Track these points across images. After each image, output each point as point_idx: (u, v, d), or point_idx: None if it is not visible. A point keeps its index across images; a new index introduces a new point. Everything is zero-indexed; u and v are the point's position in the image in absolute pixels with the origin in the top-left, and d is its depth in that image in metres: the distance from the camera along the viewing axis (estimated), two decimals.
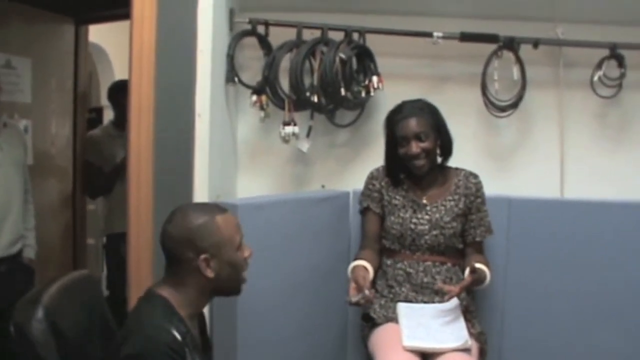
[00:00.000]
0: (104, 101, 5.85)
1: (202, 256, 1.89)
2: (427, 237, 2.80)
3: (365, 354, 2.93)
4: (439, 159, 2.89)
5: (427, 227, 2.80)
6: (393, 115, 2.85)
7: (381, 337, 2.71)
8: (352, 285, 2.60)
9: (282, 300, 2.89)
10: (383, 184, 2.91)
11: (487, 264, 2.82)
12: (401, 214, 2.84)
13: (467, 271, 2.64)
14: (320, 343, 3.10)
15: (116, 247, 4.14)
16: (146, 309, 1.89)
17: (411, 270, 2.81)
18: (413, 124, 2.76)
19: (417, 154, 2.75)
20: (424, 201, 2.85)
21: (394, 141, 2.83)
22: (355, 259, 2.82)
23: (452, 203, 2.84)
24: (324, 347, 3.13)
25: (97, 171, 4.31)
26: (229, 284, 1.98)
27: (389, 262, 2.87)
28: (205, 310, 2.67)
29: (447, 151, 2.87)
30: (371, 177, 2.95)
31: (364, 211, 2.96)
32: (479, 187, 2.88)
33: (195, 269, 1.90)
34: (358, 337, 2.99)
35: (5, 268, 3.36)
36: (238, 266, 1.97)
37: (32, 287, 3.28)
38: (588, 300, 3.06)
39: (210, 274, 1.91)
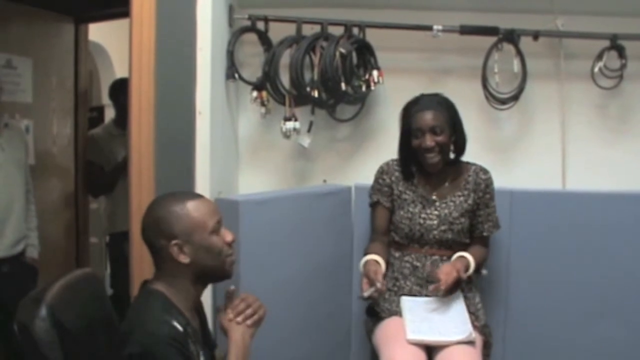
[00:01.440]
0: (105, 100, 5.85)
1: (173, 242, 1.89)
2: (435, 232, 2.80)
3: (369, 348, 2.94)
4: (452, 155, 2.87)
5: (435, 222, 2.80)
6: (410, 107, 2.83)
7: (385, 330, 2.71)
8: (364, 280, 2.61)
9: (285, 295, 2.90)
10: (393, 178, 2.90)
11: (481, 255, 2.85)
12: (410, 209, 2.84)
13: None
14: (324, 338, 3.10)
15: (119, 245, 4.14)
16: (144, 304, 1.89)
17: (418, 264, 2.81)
18: (429, 117, 2.75)
19: (431, 147, 2.74)
20: (434, 197, 2.85)
21: (409, 132, 2.82)
22: (366, 253, 2.82)
23: (462, 199, 2.84)
24: (328, 342, 3.14)
25: (99, 170, 4.31)
26: (211, 269, 1.96)
27: (396, 254, 2.87)
28: (207, 306, 2.70)
29: (460, 148, 2.86)
30: (381, 172, 2.94)
31: (373, 205, 2.96)
32: (488, 182, 2.87)
33: (171, 257, 1.90)
34: (362, 331, 2.99)
35: (8, 268, 3.37)
36: (215, 250, 1.95)
37: (35, 286, 3.29)
38: (591, 291, 3.07)
39: (184, 259, 1.90)
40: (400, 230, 2.85)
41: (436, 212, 2.82)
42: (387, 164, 2.95)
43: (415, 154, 2.82)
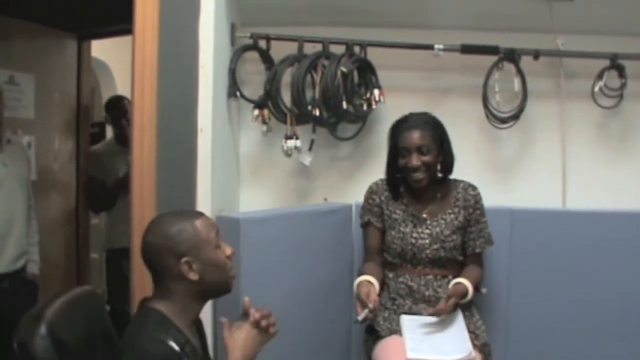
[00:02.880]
0: None
1: (184, 260, 1.89)
2: (428, 251, 2.80)
3: None
4: (439, 175, 2.89)
5: (428, 241, 2.80)
6: (398, 126, 2.85)
7: (385, 349, 2.70)
8: (358, 303, 2.60)
9: (285, 314, 2.87)
10: (383, 198, 2.91)
11: (477, 277, 2.84)
12: (402, 229, 2.84)
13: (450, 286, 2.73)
14: (324, 355, 3.10)
15: (118, 262, 4.15)
16: (141, 323, 1.89)
17: (413, 284, 2.81)
18: (416, 137, 2.76)
19: (417, 167, 2.75)
20: (424, 216, 2.86)
21: (396, 151, 2.84)
22: (360, 274, 2.81)
23: (452, 216, 2.84)
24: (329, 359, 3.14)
25: (100, 186, 4.32)
26: (216, 284, 1.97)
27: (390, 275, 2.88)
28: (208, 323, 2.69)
29: (448, 168, 2.87)
30: (371, 192, 2.95)
31: (365, 226, 2.96)
32: (477, 199, 2.88)
33: (179, 275, 1.90)
34: (362, 350, 2.99)
35: (9, 284, 3.37)
36: (221, 265, 1.97)
37: (35, 302, 3.29)
38: (591, 310, 3.07)
39: (194, 277, 1.91)
40: (393, 251, 2.85)
41: (428, 231, 2.82)
42: (376, 184, 2.96)
43: (403, 173, 2.84)
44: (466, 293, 2.73)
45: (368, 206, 2.94)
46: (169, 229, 1.93)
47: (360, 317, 2.53)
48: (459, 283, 2.74)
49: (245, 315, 2.05)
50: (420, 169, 2.76)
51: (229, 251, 2.02)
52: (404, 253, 2.82)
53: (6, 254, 3.35)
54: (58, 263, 4.29)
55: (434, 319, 2.70)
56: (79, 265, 4.57)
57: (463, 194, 2.87)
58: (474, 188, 2.89)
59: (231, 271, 2.02)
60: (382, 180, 2.95)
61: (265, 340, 2.05)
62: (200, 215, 2.03)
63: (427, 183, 2.80)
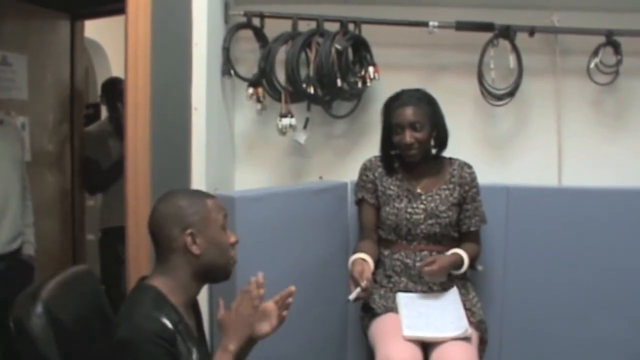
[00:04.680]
0: None
1: (188, 230, 1.91)
2: (422, 226, 2.80)
3: (365, 345, 2.94)
4: (433, 151, 2.89)
5: (422, 216, 2.81)
6: (391, 102, 2.85)
7: (381, 327, 2.71)
8: (351, 281, 2.60)
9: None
10: (376, 174, 2.91)
11: (473, 253, 2.86)
12: (396, 204, 2.84)
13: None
14: (320, 334, 3.10)
15: (112, 241, 4.15)
16: (136, 299, 1.89)
17: (408, 261, 2.81)
18: (409, 113, 2.77)
19: (410, 143, 2.76)
20: (419, 190, 2.86)
21: (390, 128, 2.84)
22: (355, 252, 2.82)
23: (447, 192, 2.84)
24: (325, 338, 3.14)
25: (95, 167, 4.30)
26: (215, 266, 1.98)
27: (386, 252, 2.88)
28: (204, 303, 2.70)
29: (441, 143, 2.88)
30: (364, 168, 2.96)
31: (359, 202, 2.97)
32: (473, 177, 2.88)
33: (181, 247, 1.92)
34: (358, 328, 2.99)
35: (4, 265, 3.36)
36: (224, 248, 1.99)
37: (31, 283, 3.28)
38: (587, 287, 3.07)
39: (196, 250, 1.92)
40: (387, 227, 2.85)
41: (422, 206, 2.82)
42: (369, 160, 2.96)
43: (397, 149, 2.84)
44: (461, 263, 2.74)
45: (361, 183, 2.94)
46: (181, 201, 1.97)
47: (352, 296, 2.53)
48: (455, 253, 2.75)
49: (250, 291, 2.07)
50: (414, 145, 2.76)
51: (233, 238, 2.04)
52: (399, 228, 2.82)
53: (1, 235, 3.33)
54: (53, 244, 4.28)
55: (430, 296, 2.71)
56: (75, 247, 4.56)
57: (459, 171, 2.87)
58: (469, 166, 2.90)
59: (232, 258, 2.04)
60: (375, 156, 2.95)
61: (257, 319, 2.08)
62: (212, 196, 2.07)
63: (420, 159, 2.81)
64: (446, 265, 2.71)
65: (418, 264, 2.76)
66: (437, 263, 2.67)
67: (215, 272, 2.01)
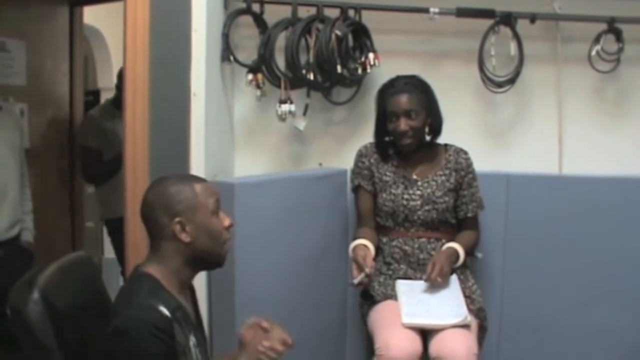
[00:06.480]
0: (101, 83, 5.84)
1: (177, 219, 1.90)
2: (419, 212, 2.80)
3: (365, 332, 2.94)
4: (427, 138, 2.88)
5: (419, 202, 2.80)
6: (385, 89, 2.85)
7: (380, 314, 2.71)
8: (354, 266, 2.60)
9: (281, 279, 2.89)
10: (372, 160, 2.91)
11: (471, 241, 2.87)
12: (392, 190, 2.84)
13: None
14: (319, 321, 3.10)
15: (118, 229, 4.13)
16: (132, 289, 1.88)
17: (407, 248, 2.81)
18: (404, 101, 2.76)
19: (405, 131, 2.76)
20: (415, 176, 2.86)
21: (384, 115, 2.83)
22: (355, 238, 2.82)
23: (443, 178, 2.84)
24: (324, 325, 3.14)
25: (95, 156, 4.27)
26: (207, 252, 1.96)
27: (384, 239, 2.88)
28: (203, 290, 2.69)
29: (436, 131, 2.87)
30: (360, 155, 2.95)
31: (356, 189, 2.97)
32: (469, 162, 2.88)
33: (171, 235, 1.90)
34: (357, 315, 2.99)
35: (3, 252, 3.35)
36: (215, 233, 1.96)
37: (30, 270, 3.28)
38: (587, 275, 3.07)
39: (185, 238, 1.90)
40: (385, 213, 2.85)
41: (419, 192, 2.82)
42: (365, 146, 2.96)
43: (391, 137, 2.84)
44: (457, 256, 2.73)
45: (357, 169, 2.94)
46: (168, 189, 1.94)
47: (356, 280, 2.53)
48: (449, 247, 2.75)
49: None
50: (408, 133, 2.76)
51: (227, 222, 2.01)
52: (396, 215, 2.82)
53: (0, 222, 3.33)
54: (52, 231, 4.28)
55: (429, 284, 2.70)
56: (74, 234, 4.56)
57: (454, 157, 2.87)
58: (465, 152, 2.91)
59: (225, 243, 2.01)
60: (370, 143, 2.95)
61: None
62: (202, 180, 2.04)
63: (415, 146, 2.80)
64: (443, 259, 2.70)
65: (419, 254, 2.78)
66: (437, 264, 2.66)
67: (208, 258, 1.99)
